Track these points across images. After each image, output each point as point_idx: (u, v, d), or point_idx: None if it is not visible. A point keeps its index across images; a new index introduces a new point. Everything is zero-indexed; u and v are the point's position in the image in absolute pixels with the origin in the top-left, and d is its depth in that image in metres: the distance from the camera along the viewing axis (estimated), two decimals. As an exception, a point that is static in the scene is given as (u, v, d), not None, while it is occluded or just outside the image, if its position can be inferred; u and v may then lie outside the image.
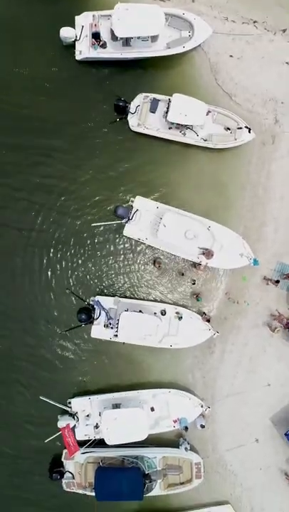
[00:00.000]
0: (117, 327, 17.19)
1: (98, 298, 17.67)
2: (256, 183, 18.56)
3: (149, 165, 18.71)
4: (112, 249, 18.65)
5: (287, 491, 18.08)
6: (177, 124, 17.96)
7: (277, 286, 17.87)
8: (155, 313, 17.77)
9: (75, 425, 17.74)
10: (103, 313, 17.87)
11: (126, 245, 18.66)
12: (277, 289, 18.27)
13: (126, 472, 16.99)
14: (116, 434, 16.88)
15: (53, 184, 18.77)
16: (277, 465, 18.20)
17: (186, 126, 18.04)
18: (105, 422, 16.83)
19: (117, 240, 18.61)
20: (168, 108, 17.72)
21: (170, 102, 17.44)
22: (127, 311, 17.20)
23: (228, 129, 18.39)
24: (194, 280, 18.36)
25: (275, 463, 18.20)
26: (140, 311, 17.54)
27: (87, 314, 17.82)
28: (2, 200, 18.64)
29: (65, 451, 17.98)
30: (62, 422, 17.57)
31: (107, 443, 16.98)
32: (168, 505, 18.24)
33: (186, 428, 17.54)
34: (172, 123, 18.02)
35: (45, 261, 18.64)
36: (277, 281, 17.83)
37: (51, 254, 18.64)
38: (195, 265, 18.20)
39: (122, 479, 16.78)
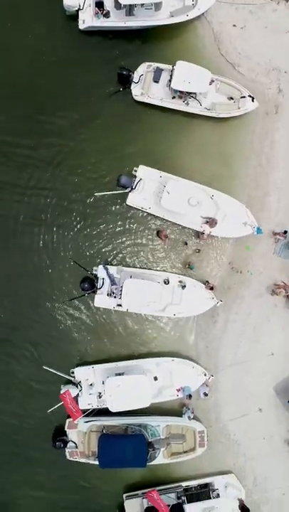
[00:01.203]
0: (120, 295, 17.19)
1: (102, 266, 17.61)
2: (259, 153, 18.52)
3: (153, 135, 18.65)
4: (115, 219, 18.60)
5: (290, 460, 18.10)
6: (180, 92, 17.94)
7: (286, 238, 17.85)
8: (158, 282, 17.74)
9: (78, 394, 17.72)
10: (106, 282, 17.85)
11: (129, 215, 18.60)
12: (281, 258, 18.28)
13: (129, 439, 16.96)
14: (119, 401, 16.83)
15: (54, 155, 18.71)
16: (281, 434, 18.18)
17: (190, 95, 17.99)
18: (109, 389, 16.80)
19: (120, 210, 18.57)
20: (171, 77, 17.68)
21: (173, 69, 17.39)
22: (131, 277, 17.19)
23: (232, 98, 18.35)
24: (198, 249, 18.29)
25: (278, 432, 18.18)
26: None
27: (90, 283, 17.79)
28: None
29: (68, 420, 17.98)
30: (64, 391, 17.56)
31: (111, 410, 16.94)
32: (171, 474, 18.21)
33: (190, 396, 17.50)
34: (176, 92, 17.99)
35: (47, 231, 18.60)
36: (285, 232, 17.82)
37: (54, 224, 18.60)
38: (198, 235, 18.18)
39: (126, 446, 16.75)
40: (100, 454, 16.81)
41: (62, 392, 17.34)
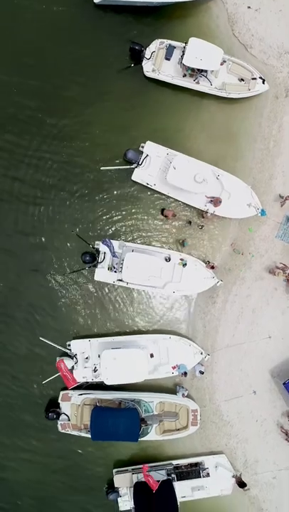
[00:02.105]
0: (121, 269, 17.17)
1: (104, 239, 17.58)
2: (267, 136, 18.49)
3: (162, 112, 18.62)
4: (119, 194, 18.56)
5: (282, 445, 18.05)
6: (192, 70, 17.92)
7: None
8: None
9: (73, 367, 17.69)
10: (108, 256, 17.84)
11: (133, 191, 18.56)
12: (283, 242, 18.24)
13: (123, 412, 16.93)
14: (115, 374, 16.81)
15: (62, 126, 18.67)
16: (274, 418, 18.16)
17: (200, 74, 17.98)
18: (104, 361, 16.77)
19: (125, 185, 18.51)
20: (183, 54, 17.64)
21: (186, 46, 17.36)
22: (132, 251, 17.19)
23: (242, 80, 18.33)
24: (202, 225, 18.26)
25: (271, 416, 18.15)
26: (145, 256, 17.54)
27: (92, 256, 17.80)
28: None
29: (61, 392, 17.97)
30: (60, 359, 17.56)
31: (106, 383, 16.94)
32: (162, 452, 18.23)
33: (185, 373, 17.47)
34: (187, 69, 17.96)
35: (51, 202, 18.57)
36: None
37: (58, 196, 18.58)
38: (202, 215, 18.15)
39: (119, 419, 16.71)
40: (92, 426, 16.76)
41: (57, 360, 17.39)
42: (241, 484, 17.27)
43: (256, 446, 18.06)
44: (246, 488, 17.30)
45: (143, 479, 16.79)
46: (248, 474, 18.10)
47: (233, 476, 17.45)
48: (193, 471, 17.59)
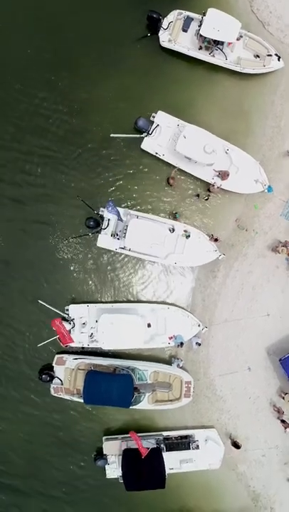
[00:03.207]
0: (125, 236, 17.12)
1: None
2: (279, 114, 18.46)
3: (175, 83, 18.62)
4: (127, 162, 18.53)
5: (274, 423, 17.97)
6: (208, 43, 17.90)
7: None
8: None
9: (70, 331, 17.65)
10: (111, 223, 17.82)
11: (142, 160, 18.50)
12: (287, 221, 18.19)
13: (116, 378, 16.87)
14: (111, 338, 16.85)
15: (75, 92, 18.66)
16: (267, 396, 18.10)
17: (216, 47, 17.95)
18: (102, 325, 16.78)
19: (133, 154, 18.49)
20: (200, 25, 17.61)
21: (204, 16, 17.33)
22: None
23: (258, 56, 18.32)
24: (208, 197, 18.20)
25: (264, 393, 18.09)
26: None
27: (96, 222, 17.77)
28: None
29: (56, 356, 17.94)
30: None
31: (102, 347, 16.97)
32: (152, 423, 18.18)
33: (182, 344, 17.43)
34: (203, 41, 17.95)
35: (58, 166, 18.55)
36: None
37: (66, 160, 18.54)
38: (209, 188, 18.10)
39: (112, 384, 16.65)
40: (85, 389, 16.71)
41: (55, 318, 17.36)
42: (236, 445, 17.28)
43: (247, 423, 18.00)
44: (240, 449, 17.36)
45: (132, 447, 16.76)
46: (237, 450, 18.02)
47: (230, 439, 17.43)
48: (182, 443, 17.53)
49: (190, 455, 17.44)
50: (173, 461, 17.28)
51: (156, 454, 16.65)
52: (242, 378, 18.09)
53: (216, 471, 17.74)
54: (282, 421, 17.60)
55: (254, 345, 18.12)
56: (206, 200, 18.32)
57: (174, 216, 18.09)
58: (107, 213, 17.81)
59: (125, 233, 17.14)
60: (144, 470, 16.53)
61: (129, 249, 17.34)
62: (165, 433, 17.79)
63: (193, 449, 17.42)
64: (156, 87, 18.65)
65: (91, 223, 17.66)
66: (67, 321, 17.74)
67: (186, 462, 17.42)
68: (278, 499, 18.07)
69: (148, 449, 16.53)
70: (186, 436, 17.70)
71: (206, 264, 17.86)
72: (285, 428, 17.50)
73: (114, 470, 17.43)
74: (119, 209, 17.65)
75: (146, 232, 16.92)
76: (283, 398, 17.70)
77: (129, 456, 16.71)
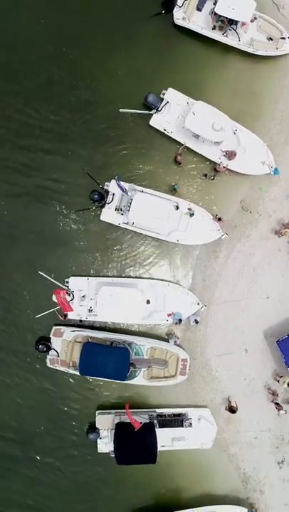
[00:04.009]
0: (129, 210, 17.11)
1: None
2: (289, 98, 18.49)
3: (186, 62, 18.67)
4: (134, 138, 18.52)
5: (268, 406, 17.96)
6: (222, 22, 17.89)
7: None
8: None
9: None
10: (116, 198, 17.83)
11: (149, 136, 18.48)
12: (293, 205, 18.24)
13: (113, 350, 16.87)
14: (110, 311, 16.89)
15: (86, 68, 18.66)
16: (262, 378, 18.09)
17: (230, 26, 17.94)
18: (101, 297, 16.82)
19: (141, 130, 18.47)
20: (215, 4, 17.59)
21: (219, -5, 17.35)
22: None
23: (271, 39, 18.33)
24: (213, 177, 18.20)
25: (260, 376, 18.09)
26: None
27: (100, 195, 17.74)
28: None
29: (54, 327, 17.91)
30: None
31: (100, 319, 16.96)
32: (147, 400, 18.18)
33: (180, 321, 17.42)
34: (217, 20, 17.93)
35: (65, 139, 18.53)
36: None
37: (73, 133, 18.53)
38: (216, 168, 18.09)
39: (109, 356, 16.66)
40: (81, 360, 16.69)
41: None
42: (232, 410, 17.33)
43: (241, 405, 17.89)
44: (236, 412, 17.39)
45: (125, 421, 16.73)
46: (230, 431, 18.05)
47: (228, 401, 17.56)
48: (176, 420, 17.50)
49: (182, 433, 17.40)
50: (165, 439, 17.21)
51: (149, 429, 16.63)
52: (238, 359, 18.07)
53: (207, 451, 17.70)
54: (276, 403, 17.58)
55: (252, 327, 18.11)
56: (212, 180, 18.31)
57: (173, 188, 17.98)
58: (112, 188, 17.84)
59: (129, 208, 17.12)
60: (136, 444, 16.51)
61: (133, 223, 17.33)
62: (158, 410, 17.77)
63: (186, 426, 17.38)
64: (167, 64, 18.66)
65: (95, 196, 17.63)
66: (67, 293, 17.70)
67: (178, 440, 17.36)
68: (268, 482, 18.06)
69: (141, 423, 16.50)
70: (179, 414, 17.67)
71: (208, 243, 17.85)
72: (279, 410, 17.49)
73: (105, 444, 17.38)
74: (124, 184, 17.64)
75: (151, 207, 16.93)
76: (278, 381, 17.68)
77: (121, 430, 16.69)
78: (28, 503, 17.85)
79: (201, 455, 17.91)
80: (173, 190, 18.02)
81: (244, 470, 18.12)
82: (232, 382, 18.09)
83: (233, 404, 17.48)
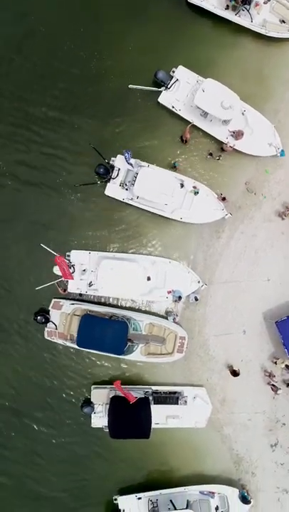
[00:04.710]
0: (134, 185, 17.06)
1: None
2: (299, 81, 18.44)
3: (198, 41, 18.58)
4: (142, 114, 18.45)
5: (263, 388, 17.94)
6: (235, 2, 17.78)
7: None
8: (172, 183, 17.62)
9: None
10: (121, 173, 17.83)
11: (157, 114, 18.42)
12: (298, 189, 18.19)
13: (112, 323, 16.87)
14: (110, 284, 16.85)
15: (96, 41, 18.63)
16: (259, 361, 18.06)
17: (243, 7, 17.85)
18: (102, 270, 16.82)
19: (149, 107, 18.41)
20: (229, -17, 17.58)
21: (232, -26, 17.30)
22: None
23: (284, 21, 18.23)
24: (219, 157, 18.16)
25: (257, 358, 18.06)
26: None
27: (106, 169, 17.71)
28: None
29: (53, 300, 17.91)
30: (58, 270, 17.41)
31: (100, 292, 17.00)
32: (143, 377, 18.20)
33: (180, 298, 17.39)
34: (230, 0, 17.86)
35: (73, 112, 18.52)
36: None
37: (79, 107, 18.53)
38: (222, 147, 18.06)
39: (107, 329, 16.68)
40: (80, 331, 16.71)
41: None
42: (234, 373, 17.36)
43: (237, 386, 17.94)
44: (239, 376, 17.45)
45: (121, 395, 16.73)
46: (224, 412, 18.05)
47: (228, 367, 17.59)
48: (171, 398, 17.50)
49: (177, 411, 17.39)
50: (159, 416, 17.18)
51: (144, 403, 16.63)
52: (236, 340, 18.05)
53: (200, 431, 17.72)
54: (273, 385, 17.56)
55: (252, 309, 18.09)
56: (218, 159, 18.26)
57: (173, 165, 17.91)
58: (117, 163, 17.82)
59: (134, 182, 17.08)
60: (131, 418, 16.49)
61: (137, 198, 17.29)
62: (154, 387, 17.75)
63: (181, 404, 17.36)
64: (178, 42, 18.60)
65: (101, 170, 17.60)
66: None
67: (173, 418, 17.36)
68: (260, 464, 18.05)
69: (136, 398, 16.48)
70: (174, 392, 17.65)
71: (211, 222, 17.82)
72: (275, 392, 17.47)
73: (99, 419, 17.37)
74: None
75: (156, 181, 16.90)
76: (276, 363, 17.66)
77: (116, 403, 16.70)
78: (24, 472, 17.93)
79: (194, 435, 17.92)
80: (173, 167, 17.91)
81: (237, 451, 18.11)
82: (229, 363, 18.05)
83: (236, 368, 17.39)
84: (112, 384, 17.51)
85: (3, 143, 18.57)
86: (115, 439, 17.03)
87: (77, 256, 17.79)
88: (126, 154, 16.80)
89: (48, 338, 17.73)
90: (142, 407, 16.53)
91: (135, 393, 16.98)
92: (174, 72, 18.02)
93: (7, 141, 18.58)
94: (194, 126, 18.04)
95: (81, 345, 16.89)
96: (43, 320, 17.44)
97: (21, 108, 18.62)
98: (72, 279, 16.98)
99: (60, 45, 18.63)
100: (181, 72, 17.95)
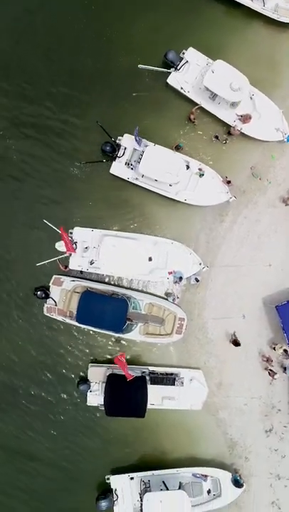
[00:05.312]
0: (140, 163, 17.02)
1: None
2: (309, 68, 18.41)
3: (209, 24, 18.62)
4: (151, 94, 18.49)
5: (260, 373, 17.90)
6: (248, -15, 17.85)
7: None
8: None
9: (71, 254, 17.59)
10: (127, 152, 17.82)
11: (165, 95, 18.43)
12: (303, 175, 18.16)
13: (112, 300, 16.84)
14: (111, 261, 16.84)
15: (107, 20, 18.69)
16: (257, 345, 18.02)
17: (256, -10, 17.90)
18: (104, 246, 16.85)
19: (158, 87, 18.43)
20: None
21: None
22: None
23: (296, 7, 18.26)
24: (226, 140, 18.13)
25: (255, 343, 18.02)
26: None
27: (112, 147, 17.70)
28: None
29: (54, 276, 17.89)
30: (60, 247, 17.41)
31: (101, 271, 17.01)
32: (141, 357, 18.18)
33: (180, 279, 17.36)
34: (244, -17, 17.90)
35: (78, 89, 18.60)
36: None
37: (88, 85, 18.58)
38: (229, 131, 18.04)
39: (107, 306, 16.65)
40: (79, 307, 16.68)
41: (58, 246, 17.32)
42: (236, 343, 17.38)
43: (234, 370, 17.93)
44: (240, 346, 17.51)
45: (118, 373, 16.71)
46: (220, 396, 18.01)
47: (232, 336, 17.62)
48: (168, 379, 17.47)
49: (173, 392, 17.34)
50: (155, 397, 17.15)
51: (140, 382, 16.61)
52: (235, 325, 18.01)
53: (196, 414, 17.70)
54: (270, 370, 17.53)
55: (252, 294, 18.05)
56: (225, 143, 18.25)
57: (177, 146, 17.84)
58: (124, 142, 17.83)
59: (140, 161, 17.05)
60: (127, 396, 16.49)
61: (142, 176, 17.27)
62: (151, 368, 17.73)
63: (177, 385, 17.32)
64: (189, 24, 18.66)
65: (107, 148, 17.60)
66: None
67: (168, 399, 17.32)
68: (254, 450, 18.00)
69: (134, 376, 16.44)
70: (171, 374, 17.62)
71: (215, 205, 17.80)
72: (272, 377, 17.44)
73: (95, 397, 17.33)
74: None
75: (162, 161, 16.89)
76: (274, 348, 17.62)
77: (113, 381, 16.69)
78: (16, 447, 17.97)
79: (189, 417, 17.90)
80: (177, 148, 17.85)
81: (231, 436, 18.07)
82: (226, 347, 17.99)
83: (237, 338, 17.49)
84: (110, 362, 17.72)
85: (12, 115, 18.57)
86: (111, 417, 17.00)
87: (79, 233, 17.75)
88: (135, 132, 16.72)
89: (47, 314, 17.72)
90: (139, 386, 16.52)
91: (132, 373, 16.91)
92: (184, 53, 18.00)
93: (15, 115, 18.57)
94: (202, 109, 18.08)
95: (80, 322, 16.85)
96: (43, 295, 17.41)
97: (33, 83, 18.65)
98: (75, 252, 16.93)
99: (72, 22, 18.62)
100: (191, 54, 17.94)
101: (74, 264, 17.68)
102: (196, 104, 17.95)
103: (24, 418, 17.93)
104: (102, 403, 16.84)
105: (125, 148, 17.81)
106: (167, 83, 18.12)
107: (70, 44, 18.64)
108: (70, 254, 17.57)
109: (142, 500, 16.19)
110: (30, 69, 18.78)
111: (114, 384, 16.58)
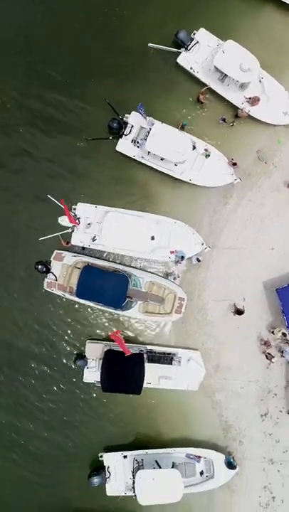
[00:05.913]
0: (146, 141, 16.97)
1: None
2: None
3: (221, 5, 18.63)
4: (160, 73, 18.40)
5: (258, 357, 17.88)
6: None
7: None
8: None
9: (74, 229, 17.57)
10: (134, 130, 17.80)
11: (174, 74, 18.38)
12: (309, 161, 18.13)
13: (113, 276, 16.78)
14: (114, 237, 16.80)
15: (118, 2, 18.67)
16: (256, 329, 18.01)
17: (270, -26, 17.88)
18: (107, 222, 16.81)
19: (167, 67, 18.37)
20: None
21: None
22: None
23: (309, -8, 18.25)
24: (233, 122, 18.13)
25: (255, 326, 18.00)
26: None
27: (119, 124, 17.66)
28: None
29: (55, 251, 17.83)
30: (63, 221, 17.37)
31: (102, 247, 16.99)
32: (139, 335, 18.25)
33: (182, 258, 17.31)
34: None
35: (87, 65, 18.54)
36: None
37: (97, 60, 18.54)
38: (237, 114, 18.03)
39: (107, 282, 16.60)
40: (80, 282, 16.63)
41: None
42: (239, 311, 17.39)
43: (232, 352, 17.91)
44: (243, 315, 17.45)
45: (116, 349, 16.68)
46: (217, 378, 17.99)
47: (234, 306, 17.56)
48: (165, 358, 17.43)
49: (170, 372, 17.32)
50: (152, 376, 17.13)
51: (138, 359, 16.59)
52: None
53: (192, 394, 17.69)
54: (268, 353, 17.51)
55: (253, 277, 18.03)
56: (232, 125, 18.23)
57: (182, 125, 17.74)
58: (131, 119, 17.79)
59: (146, 138, 17.01)
60: (124, 372, 16.47)
61: (148, 154, 17.24)
62: (149, 346, 17.71)
63: (174, 365, 17.29)
64: (201, 5, 18.60)
65: (114, 125, 17.56)
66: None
67: (165, 379, 17.29)
68: (248, 433, 17.99)
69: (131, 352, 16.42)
70: (169, 353, 17.59)
71: (220, 187, 17.78)
72: (270, 360, 17.41)
73: (92, 373, 17.29)
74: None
75: (168, 139, 16.77)
76: (273, 332, 17.61)
77: (110, 356, 16.66)
78: (11, 421, 17.92)
79: (185, 398, 17.89)
80: (182, 127, 17.74)
81: (226, 418, 18.05)
82: (225, 329, 18.01)
83: (240, 307, 17.38)
84: (108, 338, 17.67)
85: (21, 89, 18.57)
86: (107, 394, 16.96)
87: (83, 209, 17.69)
88: (139, 108, 16.69)
89: (47, 289, 17.66)
90: (136, 363, 16.50)
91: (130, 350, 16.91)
92: (194, 34, 17.96)
93: (24, 88, 18.57)
94: (210, 90, 18.03)
95: (80, 297, 16.80)
96: (44, 269, 17.35)
97: (43, 58, 18.61)
98: (77, 224, 16.90)
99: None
100: (202, 35, 17.91)
101: (76, 239, 17.62)
102: (205, 85, 17.91)
103: (20, 391, 17.85)
104: (99, 380, 16.80)
105: (132, 126, 17.78)
106: (177, 63, 18.08)
107: (81, 21, 18.58)
108: (73, 230, 17.53)
109: (134, 478, 16.17)
110: (42, 45, 18.70)
111: (112, 359, 16.55)
